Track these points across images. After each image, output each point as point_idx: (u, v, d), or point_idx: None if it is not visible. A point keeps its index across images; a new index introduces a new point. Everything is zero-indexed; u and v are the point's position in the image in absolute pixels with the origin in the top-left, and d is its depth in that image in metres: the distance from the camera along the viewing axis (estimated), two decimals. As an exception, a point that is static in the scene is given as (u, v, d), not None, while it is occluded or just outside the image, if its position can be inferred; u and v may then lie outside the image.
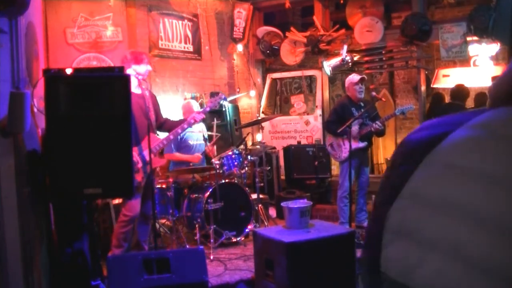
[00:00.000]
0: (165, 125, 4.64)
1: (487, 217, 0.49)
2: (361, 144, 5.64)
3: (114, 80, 3.00)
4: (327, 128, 6.00)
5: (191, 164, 5.64)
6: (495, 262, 0.47)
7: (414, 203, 0.55)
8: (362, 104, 5.71)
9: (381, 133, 5.83)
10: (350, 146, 5.34)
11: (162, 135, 4.74)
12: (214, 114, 6.45)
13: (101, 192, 2.98)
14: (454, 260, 0.50)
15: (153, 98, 4.59)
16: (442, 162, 0.55)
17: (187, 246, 4.90)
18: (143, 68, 4.40)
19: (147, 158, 4.27)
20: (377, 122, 5.58)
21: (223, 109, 7.07)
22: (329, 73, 7.11)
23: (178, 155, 5.67)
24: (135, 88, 4.27)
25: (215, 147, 5.96)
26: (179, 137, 5.15)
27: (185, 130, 4.74)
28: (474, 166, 0.52)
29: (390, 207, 0.57)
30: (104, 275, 3.57)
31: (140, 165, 4.26)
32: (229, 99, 7.25)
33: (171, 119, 4.80)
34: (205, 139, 5.66)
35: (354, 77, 5.69)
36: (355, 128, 5.49)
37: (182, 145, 5.68)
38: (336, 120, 5.64)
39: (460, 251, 0.49)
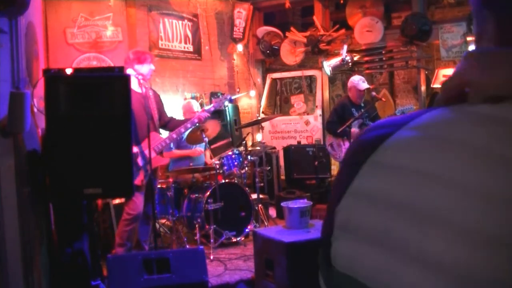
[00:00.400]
0: (170, 124, 4.64)
1: (417, 210, 0.53)
2: None
3: (114, 80, 3.00)
4: (327, 128, 6.01)
5: (191, 164, 5.64)
6: (427, 254, 0.51)
7: (357, 200, 0.59)
8: (362, 104, 5.71)
9: None
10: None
11: (164, 134, 4.74)
12: (214, 114, 6.44)
13: (101, 192, 2.98)
14: (390, 254, 0.54)
15: (157, 98, 4.58)
16: (380, 161, 0.59)
17: (187, 246, 4.90)
18: (146, 68, 4.38)
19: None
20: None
21: (223, 109, 7.07)
22: (329, 73, 7.11)
23: (178, 152, 5.66)
24: (136, 87, 4.26)
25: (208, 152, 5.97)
26: (179, 136, 5.16)
27: (188, 129, 4.74)
28: (405, 165, 0.56)
29: (339, 204, 0.61)
30: (104, 275, 3.57)
31: (141, 164, 4.26)
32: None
33: (176, 119, 4.80)
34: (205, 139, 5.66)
35: (361, 83, 5.62)
36: (354, 129, 5.49)
37: (182, 144, 5.68)
38: (336, 121, 5.65)
39: (396, 245, 0.53)
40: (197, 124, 4.73)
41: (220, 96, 5.02)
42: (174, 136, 4.55)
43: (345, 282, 0.59)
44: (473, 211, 0.49)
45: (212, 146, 5.61)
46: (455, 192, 0.51)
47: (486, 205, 0.49)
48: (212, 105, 4.95)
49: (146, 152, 4.28)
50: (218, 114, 6.84)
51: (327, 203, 0.70)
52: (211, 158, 5.72)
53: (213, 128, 5.34)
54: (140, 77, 4.35)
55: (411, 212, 0.53)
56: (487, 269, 0.47)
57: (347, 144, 5.53)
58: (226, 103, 5.56)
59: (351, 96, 5.71)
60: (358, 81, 5.66)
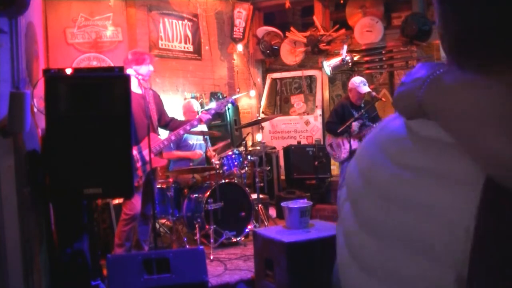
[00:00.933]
0: (170, 124, 4.63)
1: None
2: None
3: (114, 80, 3.00)
4: (327, 128, 6.00)
5: (191, 164, 5.64)
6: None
7: (347, 195, 0.67)
8: (362, 105, 5.71)
9: None
10: (350, 146, 5.35)
11: (163, 135, 4.74)
12: (214, 115, 6.43)
13: (101, 192, 2.98)
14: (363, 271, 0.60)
15: (157, 98, 4.58)
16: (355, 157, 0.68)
17: (187, 246, 4.90)
18: (145, 69, 4.38)
19: (147, 158, 4.27)
20: (378, 123, 5.59)
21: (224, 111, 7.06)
22: (329, 73, 7.11)
23: (177, 153, 5.67)
24: (135, 88, 4.26)
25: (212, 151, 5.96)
26: (179, 136, 5.15)
27: (187, 131, 4.73)
28: (359, 164, 0.65)
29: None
30: (104, 275, 3.57)
31: (139, 164, 4.26)
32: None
33: (177, 119, 4.79)
34: (205, 139, 5.66)
35: (361, 86, 5.57)
36: (355, 124, 5.49)
37: (182, 144, 5.68)
38: (336, 121, 5.64)
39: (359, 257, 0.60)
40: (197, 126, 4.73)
41: (221, 98, 5.01)
42: (173, 138, 4.55)
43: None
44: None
45: (213, 148, 5.60)
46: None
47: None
48: (213, 107, 4.94)
49: (144, 152, 4.28)
50: (218, 114, 6.83)
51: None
52: (213, 151, 5.73)
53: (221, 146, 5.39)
54: (140, 77, 4.35)
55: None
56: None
57: (346, 144, 5.53)
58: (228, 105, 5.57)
59: (351, 97, 5.70)
60: (359, 84, 5.61)
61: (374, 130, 0.68)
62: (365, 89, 5.57)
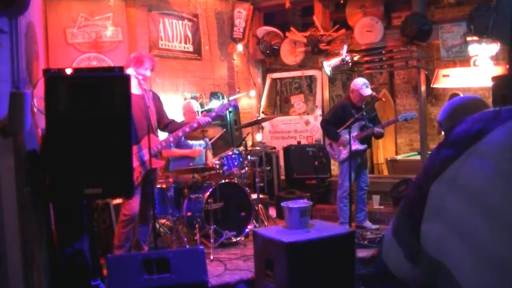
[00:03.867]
0: (170, 126, 4.63)
1: (492, 208, 0.57)
2: (361, 147, 5.65)
3: (114, 80, 3.00)
4: (322, 126, 5.96)
5: (191, 164, 5.64)
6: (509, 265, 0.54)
7: (453, 190, 0.63)
8: (363, 106, 5.71)
9: (380, 136, 5.85)
10: (350, 147, 5.34)
11: (162, 137, 4.73)
12: (214, 117, 6.43)
13: (101, 192, 2.98)
14: (476, 257, 0.57)
15: (156, 100, 4.57)
16: (485, 157, 0.61)
17: (187, 246, 4.90)
18: (142, 71, 4.38)
19: (145, 158, 4.27)
20: (378, 126, 5.60)
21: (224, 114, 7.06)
22: (329, 73, 7.10)
23: (177, 151, 5.66)
24: (134, 89, 4.26)
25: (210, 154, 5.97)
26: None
27: (186, 133, 4.72)
28: (502, 165, 0.59)
29: (431, 184, 0.65)
30: (104, 275, 3.57)
31: (136, 164, 4.25)
32: (229, 99, 7.26)
33: (177, 122, 4.78)
34: (204, 140, 5.66)
35: (364, 88, 5.53)
36: (345, 137, 5.48)
37: (182, 143, 5.67)
38: (334, 122, 5.63)
39: (482, 251, 0.57)
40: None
41: (222, 99, 5.01)
42: (171, 139, 4.54)
43: (434, 266, 0.62)
44: None
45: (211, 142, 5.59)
46: None
47: None
48: (214, 110, 4.94)
49: (142, 152, 4.28)
50: (218, 116, 6.82)
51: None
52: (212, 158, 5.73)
53: (214, 131, 5.35)
54: (140, 77, 4.34)
55: (503, 223, 0.57)
56: None
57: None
58: (225, 101, 5.57)
59: (352, 98, 5.68)
60: (362, 86, 5.57)
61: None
62: (368, 91, 5.55)
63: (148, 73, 4.43)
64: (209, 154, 5.97)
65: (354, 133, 5.59)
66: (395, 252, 0.70)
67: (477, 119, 0.65)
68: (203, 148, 5.82)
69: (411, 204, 0.71)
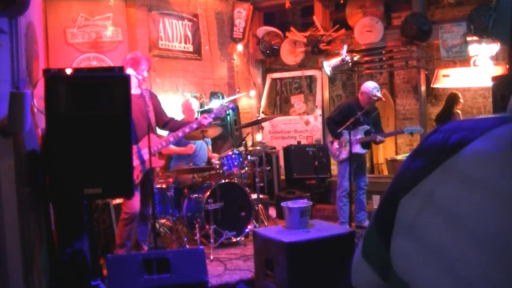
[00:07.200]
0: (170, 124, 4.64)
1: (484, 237, 0.51)
2: (362, 151, 5.68)
3: (114, 80, 3.00)
4: (327, 124, 5.97)
5: (191, 163, 5.64)
6: (484, 283, 0.50)
7: (428, 205, 0.56)
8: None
9: (380, 142, 5.90)
10: (350, 146, 5.34)
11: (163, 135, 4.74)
12: (213, 117, 6.44)
13: (101, 192, 2.98)
14: (448, 274, 0.52)
15: (154, 99, 4.58)
16: (460, 171, 0.55)
17: (187, 246, 4.90)
18: (139, 72, 4.38)
19: (145, 157, 4.27)
20: (380, 135, 5.63)
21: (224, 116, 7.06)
22: (329, 73, 7.11)
23: (173, 148, 5.65)
24: (133, 89, 4.26)
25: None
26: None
27: (186, 134, 4.72)
28: (492, 182, 0.52)
29: (402, 198, 0.59)
30: (104, 275, 3.57)
31: (137, 163, 4.26)
32: (229, 99, 7.26)
33: (177, 120, 4.79)
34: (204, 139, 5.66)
35: (375, 92, 5.52)
36: (346, 137, 5.49)
37: (181, 143, 5.67)
38: (339, 121, 5.63)
39: (456, 268, 0.52)
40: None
41: (222, 99, 5.02)
42: (171, 139, 4.55)
43: (402, 286, 0.57)
44: None
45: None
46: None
47: None
48: (213, 111, 4.96)
49: (142, 152, 4.29)
50: (217, 117, 6.83)
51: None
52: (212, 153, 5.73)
53: (213, 130, 5.36)
54: (140, 77, 4.34)
55: (479, 240, 0.51)
56: None
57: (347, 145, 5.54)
58: (224, 101, 5.58)
59: (361, 100, 5.66)
60: (373, 89, 5.54)
61: None
62: (378, 95, 5.56)
63: (145, 73, 4.43)
64: (209, 148, 5.96)
65: (358, 136, 5.60)
66: (365, 274, 0.66)
67: (454, 128, 0.59)
68: (206, 144, 5.81)
69: (379, 218, 0.64)
